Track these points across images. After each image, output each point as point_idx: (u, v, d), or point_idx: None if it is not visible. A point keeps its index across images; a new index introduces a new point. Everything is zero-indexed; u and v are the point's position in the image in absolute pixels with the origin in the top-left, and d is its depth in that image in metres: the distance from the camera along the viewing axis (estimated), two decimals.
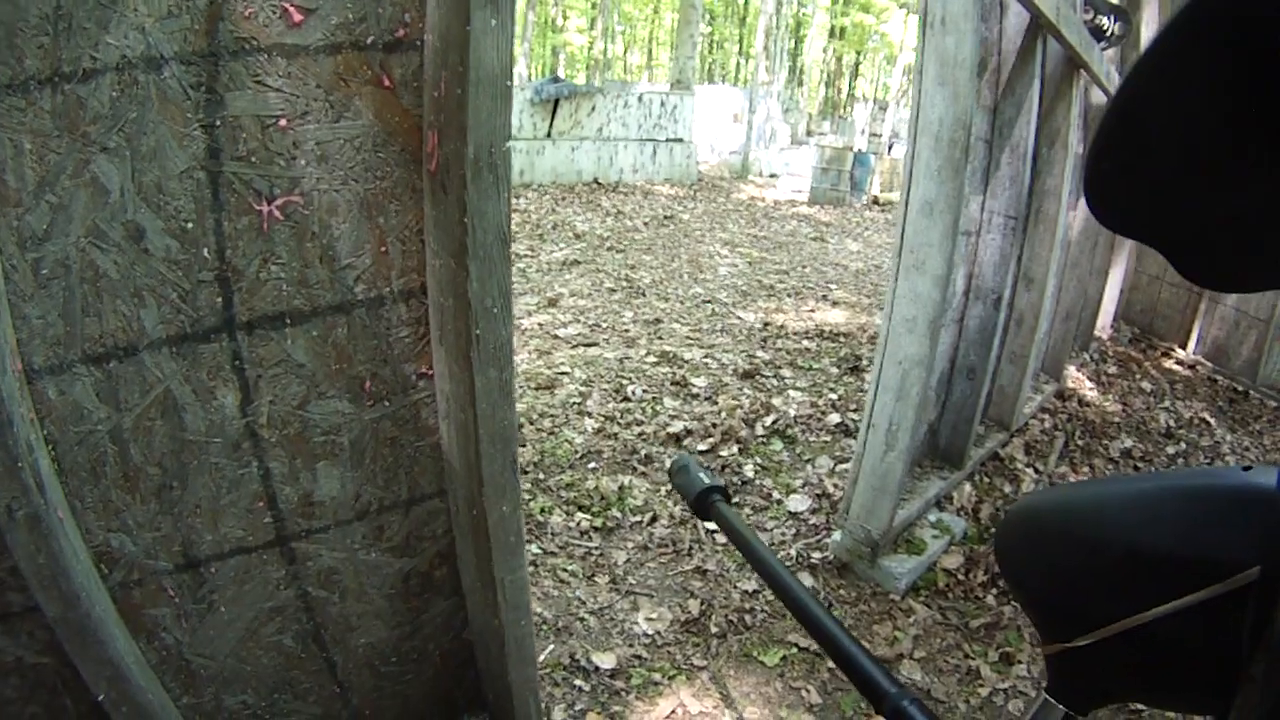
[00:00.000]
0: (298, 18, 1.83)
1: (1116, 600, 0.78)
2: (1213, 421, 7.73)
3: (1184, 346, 9.87)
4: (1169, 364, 9.49)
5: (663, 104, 20.81)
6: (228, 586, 2.23)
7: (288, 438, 2.17)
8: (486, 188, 1.90)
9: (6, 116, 1.60)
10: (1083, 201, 6.92)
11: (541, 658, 3.58)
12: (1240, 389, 8.91)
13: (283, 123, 1.88)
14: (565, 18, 46.67)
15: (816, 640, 1.00)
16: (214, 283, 1.92)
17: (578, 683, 3.50)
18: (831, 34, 50.73)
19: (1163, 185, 0.63)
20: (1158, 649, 0.77)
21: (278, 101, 1.86)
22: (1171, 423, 7.43)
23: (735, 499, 5.06)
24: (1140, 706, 3.53)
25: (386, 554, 2.50)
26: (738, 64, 57.13)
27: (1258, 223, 0.59)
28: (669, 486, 5.13)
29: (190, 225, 1.85)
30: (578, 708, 3.36)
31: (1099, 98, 6.58)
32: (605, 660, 3.64)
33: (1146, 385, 8.42)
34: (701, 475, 1.33)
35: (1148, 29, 8.34)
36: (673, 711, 3.42)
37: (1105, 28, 6.01)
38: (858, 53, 52.56)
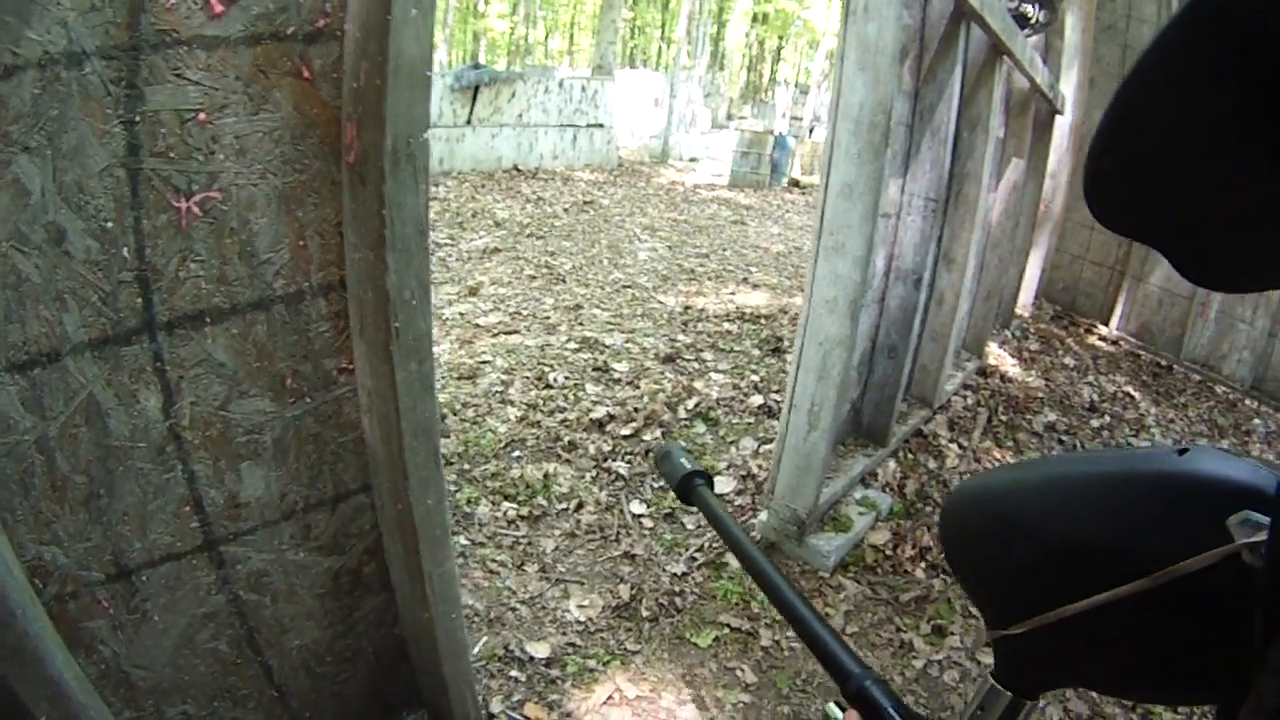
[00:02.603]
0: (219, 8, 1.78)
1: (1047, 590, 0.78)
2: (1137, 395, 7.93)
3: (1107, 323, 10.10)
4: (1092, 340, 9.70)
5: (583, 89, 20.67)
6: (160, 594, 2.17)
7: (211, 439, 2.12)
8: (405, 179, 1.89)
9: None
10: (1003, 183, 7.06)
11: (476, 650, 3.55)
12: (1164, 364, 9.17)
13: (201, 116, 1.83)
14: (487, 3, 46.19)
15: (788, 621, 1.01)
16: (134, 283, 1.87)
17: (513, 673, 3.48)
18: (754, 19, 50.81)
19: (1164, 185, 0.62)
20: (1093, 638, 0.77)
21: (197, 95, 1.81)
22: (1095, 397, 7.61)
23: (660, 484, 5.05)
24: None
25: (315, 553, 2.46)
26: (659, 49, 57.01)
27: (1260, 222, 0.58)
28: (594, 472, 5.15)
29: (110, 224, 1.79)
30: (515, 698, 3.35)
31: (1021, 83, 6.67)
32: (539, 650, 3.62)
33: (1069, 361, 8.59)
34: (684, 461, 1.33)
35: (1072, 16, 8.51)
36: (609, 697, 3.42)
37: (1030, 15, 6.12)
38: (780, 38, 52.77)
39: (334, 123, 2.00)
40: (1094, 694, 3.58)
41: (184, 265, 1.92)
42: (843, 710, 0.91)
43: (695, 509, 1.27)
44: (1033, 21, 6.32)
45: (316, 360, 2.23)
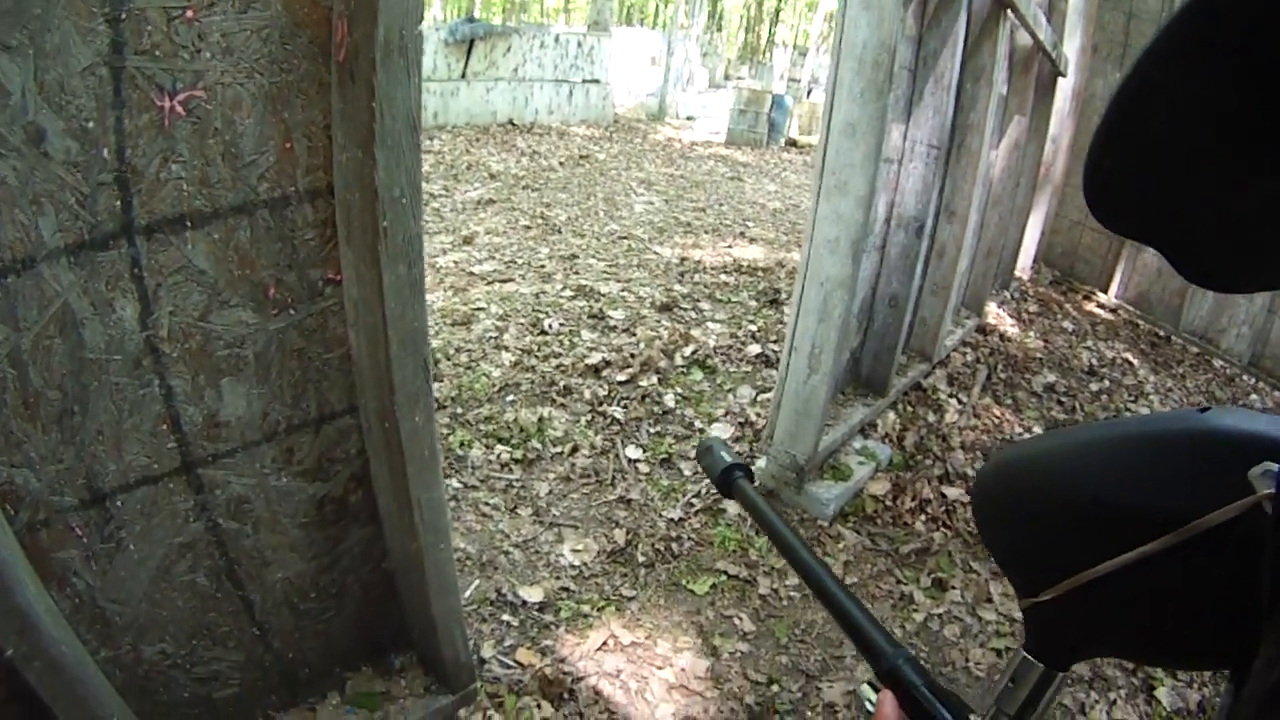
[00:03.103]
0: None
1: (1078, 553, 0.78)
2: (1135, 362, 7.93)
3: (1105, 290, 10.08)
4: (1090, 307, 9.68)
5: (579, 45, 20.55)
6: (135, 521, 2.08)
7: (190, 352, 2.03)
8: (396, 72, 1.82)
9: None
10: (1005, 141, 7.00)
11: (467, 593, 3.48)
12: (1162, 334, 9.16)
13: (189, 14, 1.73)
14: None
15: (824, 604, 1.02)
16: (113, 185, 1.78)
17: (505, 618, 3.42)
18: None
19: (1164, 186, 0.62)
20: (1122, 600, 0.78)
21: None
22: (1094, 361, 7.59)
23: (657, 429, 5.02)
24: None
25: (298, 479, 2.37)
26: (656, 7, 56.70)
27: (1260, 223, 0.58)
28: (589, 417, 5.09)
29: (91, 125, 1.70)
30: (507, 643, 3.29)
31: (1025, 41, 6.59)
32: (533, 594, 3.57)
33: (1068, 325, 8.57)
34: (724, 455, 1.32)
35: None
36: (604, 643, 3.36)
37: None
38: None
39: (324, 23, 1.90)
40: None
41: (165, 166, 1.82)
42: (876, 690, 0.90)
43: (736, 501, 1.25)
44: None
45: (301, 269, 2.14)
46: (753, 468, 4.43)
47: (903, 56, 4.66)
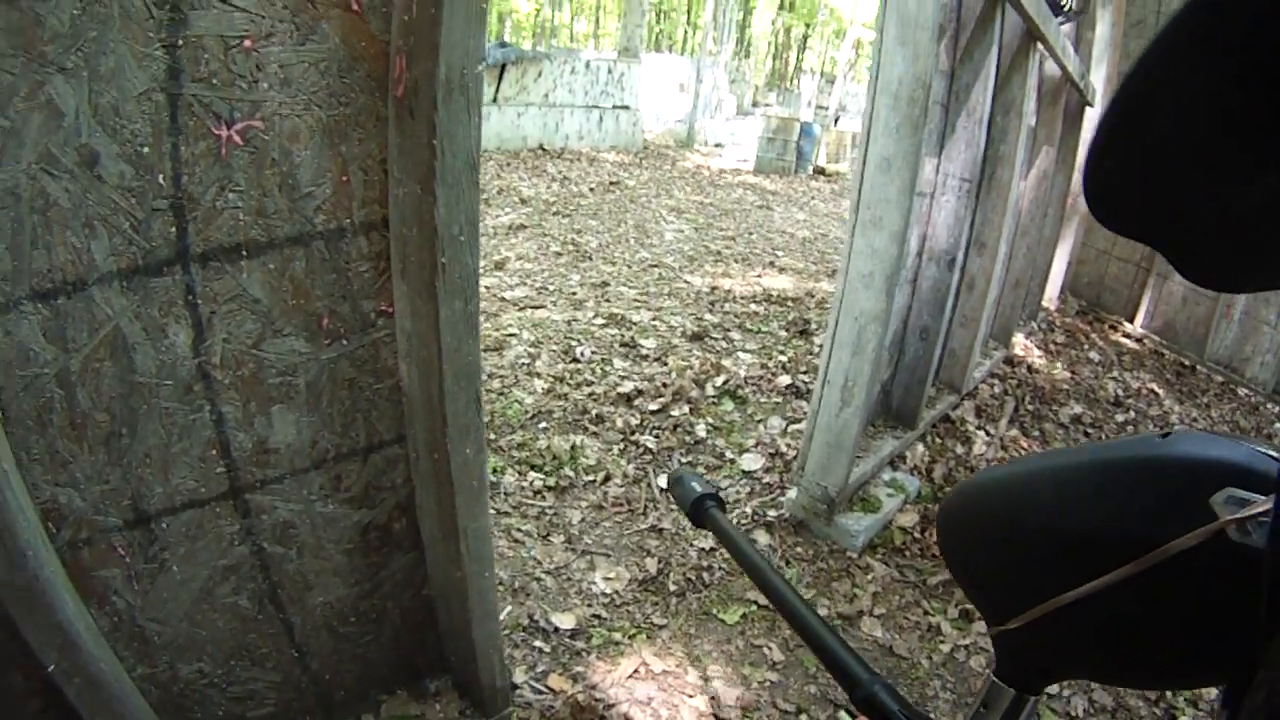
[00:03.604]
0: None
1: (1043, 580, 0.79)
2: (1161, 392, 7.89)
3: (1132, 320, 10.05)
4: (1116, 336, 9.65)
5: (610, 71, 20.67)
6: (180, 543, 2.11)
7: (242, 379, 2.06)
8: (457, 110, 1.85)
9: None
10: (1034, 172, 7.02)
11: (500, 619, 3.51)
12: (1187, 363, 9.12)
13: (247, 44, 1.77)
14: None
15: (797, 632, 1.06)
16: (168, 211, 1.81)
17: (537, 644, 3.44)
18: (780, 6, 50.61)
19: (1166, 184, 0.62)
20: (1088, 627, 0.79)
21: (243, 21, 1.76)
22: (1120, 392, 7.56)
23: (689, 458, 5.05)
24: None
25: (344, 505, 2.41)
26: (685, 34, 56.93)
27: (1261, 222, 0.58)
28: (621, 445, 5.11)
29: (146, 150, 1.73)
30: (539, 669, 3.31)
31: (1053, 71, 6.61)
32: (564, 620, 3.59)
33: (1095, 355, 8.54)
34: (695, 485, 1.35)
35: (1103, 9, 8.43)
36: (635, 670, 3.38)
37: (1064, 2, 6.04)
38: (807, 25, 52.50)
39: (381, 57, 1.96)
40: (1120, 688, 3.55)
41: (222, 195, 1.87)
42: (853, 718, 0.93)
43: (708, 531, 1.28)
44: (1066, 9, 6.26)
45: (355, 301, 2.18)
46: (783, 498, 4.51)
47: (935, 91, 4.69)
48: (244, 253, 1.95)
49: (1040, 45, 5.36)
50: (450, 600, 2.62)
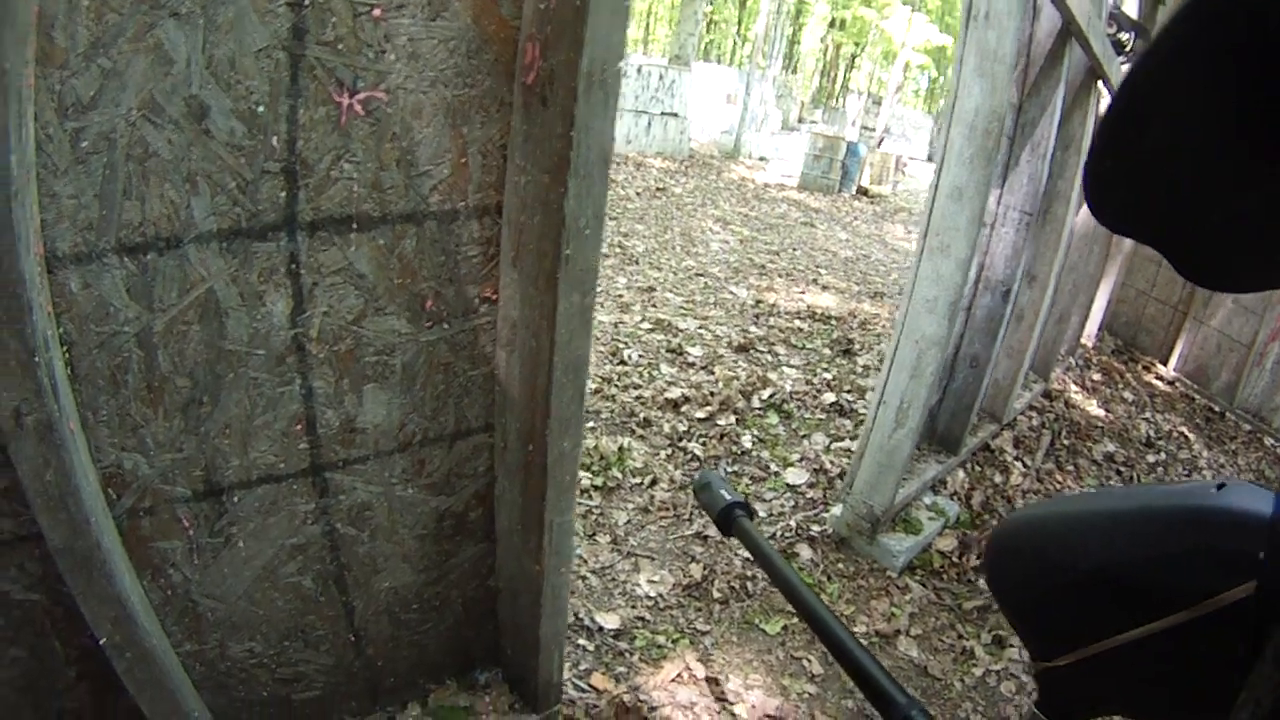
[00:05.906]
0: None
1: (1091, 623, 0.81)
2: (1191, 436, 7.87)
3: (1165, 363, 10.01)
4: (1149, 378, 9.61)
5: (660, 77, 20.66)
6: (250, 519, 2.06)
7: (337, 355, 2.02)
8: (596, 104, 1.82)
9: None
10: (1084, 208, 7.02)
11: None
12: (1217, 410, 9.07)
13: (376, 12, 1.72)
14: None
15: (832, 653, 1.05)
16: (280, 174, 1.75)
17: (581, 642, 3.50)
18: (831, 24, 50.47)
19: (1164, 184, 0.63)
20: (1134, 670, 0.80)
21: None
22: (1152, 433, 7.55)
23: (734, 468, 5.10)
24: None
25: (424, 491, 2.37)
26: (734, 45, 56.90)
27: (1258, 222, 0.60)
28: (668, 450, 5.16)
29: (261, 109, 1.67)
30: (583, 667, 3.36)
31: None
32: (609, 620, 3.64)
33: (1129, 395, 8.52)
34: (724, 492, 1.36)
35: None
36: (678, 675, 3.42)
37: (1125, 42, 6.07)
38: (856, 45, 52.32)
39: (510, 43, 1.91)
40: None
41: (337, 164, 1.82)
42: None
43: (736, 540, 1.28)
44: (1127, 49, 6.28)
45: (460, 285, 2.14)
46: (826, 515, 4.55)
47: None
48: (354, 225, 1.91)
49: (1102, 84, 5.39)
50: (519, 593, 2.59)
